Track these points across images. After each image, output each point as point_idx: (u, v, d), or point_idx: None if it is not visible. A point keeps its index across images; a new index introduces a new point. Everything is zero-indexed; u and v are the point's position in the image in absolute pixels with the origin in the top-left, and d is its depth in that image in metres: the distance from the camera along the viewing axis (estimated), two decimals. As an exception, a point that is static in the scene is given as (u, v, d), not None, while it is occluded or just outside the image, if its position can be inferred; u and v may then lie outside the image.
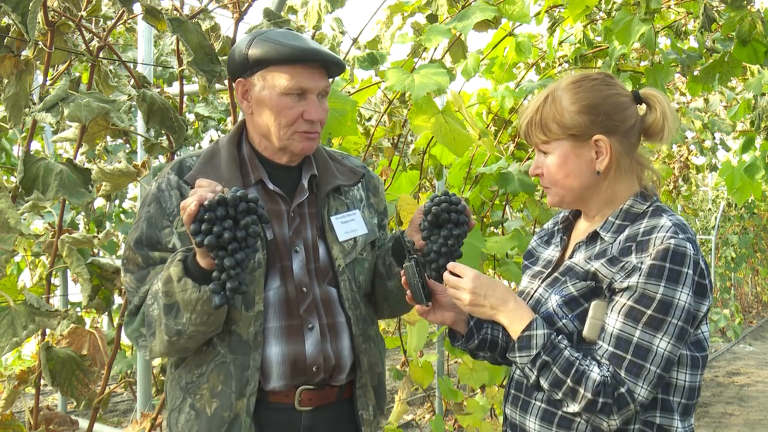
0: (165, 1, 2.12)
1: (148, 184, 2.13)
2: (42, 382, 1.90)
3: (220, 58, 1.98)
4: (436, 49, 2.74)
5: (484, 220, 3.60)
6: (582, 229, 1.54)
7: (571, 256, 1.50)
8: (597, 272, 1.39)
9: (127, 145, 4.27)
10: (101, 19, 2.36)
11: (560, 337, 1.38)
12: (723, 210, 10.84)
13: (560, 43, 3.43)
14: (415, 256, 1.52)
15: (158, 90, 2.23)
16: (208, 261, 1.37)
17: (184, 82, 2.43)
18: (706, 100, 5.39)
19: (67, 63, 2.12)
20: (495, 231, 3.81)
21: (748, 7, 2.99)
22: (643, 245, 1.35)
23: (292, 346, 1.56)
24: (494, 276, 3.46)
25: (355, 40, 2.68)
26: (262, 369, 1.54)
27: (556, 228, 1.63)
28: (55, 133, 2.24)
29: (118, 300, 3.10)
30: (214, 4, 2.16)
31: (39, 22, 1.65)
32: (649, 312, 1.31)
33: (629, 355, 1.32)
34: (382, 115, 3.16)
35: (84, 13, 1.92)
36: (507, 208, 3.97)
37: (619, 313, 1.34)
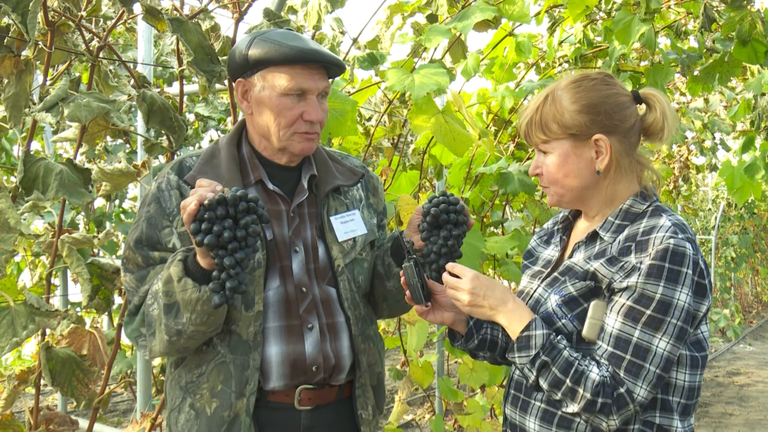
0: (165, 1, 2.12)
1: (148, 184, 2.14)
2: (42, 382, 1.90)
3: (220, 58, 1.98)
4: (436, 49, 2.74)
5: (484, 220, 3.60)
6: (581, 228, 1.54)
7: (570, 256, 1.50)
8: (596, 272, 1.39)
9: (127, 145, 4.27)
10: (101, 19, 2.36)
11: (559, 337, 1.38)
12: (723, 210, 10.84)
13: (560, 43, 3.43)
14: (414, 256, 1.52)
15: (158, 90, 2.23)
16: (208, 261, 1.37)
17: (184, 82, 2.43)
18: (706, 100, 5.39)
19: (67, 63, 2.12)
20: (495, 231, 3.81)
21: (748, 7, 2.99)
22: (643, 245, 1.35)
23: (292, 345, 1.56)
24: (494, 276, 3.46)
25: (355, 40, 2.68)
26: (261, 369, 1.54)
27: (555, 228, 1.63)
28: (55, 133, 2.24)
29: (118, 300, 3.10)
30: (214, 4, 2.16)
31: (39, 22, 1.65)
32: (648, 312, 1.31)
33: (628, 355, 1.32)
34: (382, 115, 3.16)
35: (84, 13, 1.93)
36: (507, 208, 3.97)
37: (618, 313, 1.34)
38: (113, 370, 2.42)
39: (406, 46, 2.82)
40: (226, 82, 2.10)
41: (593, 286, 1.40)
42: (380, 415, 1.73)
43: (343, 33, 3.37)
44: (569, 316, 1.40)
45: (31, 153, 1.73)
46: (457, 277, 1.43)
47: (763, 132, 4.27)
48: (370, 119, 4.22)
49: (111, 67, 2.31)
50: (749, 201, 9.59)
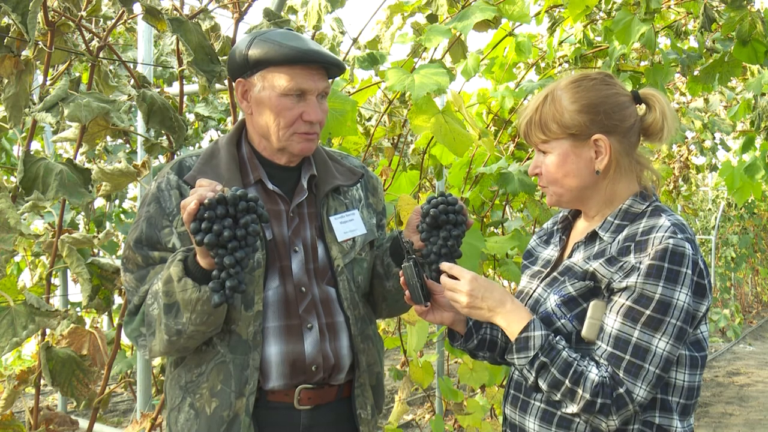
0: (165, 1, 2.13)
1: (148, 184, 2.14)
2: (42, 382, 1.91)
3: (220, 58, 1.98)
4: (436, 49, 2.74)
5: (484, 220, 3.60)
6: (581, 228, 1.54)
7: (570, 256, 1.50)
8: (596, 272, 1.39)
9: (127, 145, 4.27)
10: (101, 19, 2.36)
11: (558, 337, 1.38)
12: (723, 210, 10.84)
13: (560, 43, 3.43)
14: (414, 256, 1.52)
15: (158, 90, 2.23)
16: (208, 260, 1.37)
17: (184, 82, 2.43)
18: (706, 100, 5.39)
19: (67, 63, 2.12)
20: (495, 231, 3.81)
21: (748, 7, 2.99)
22: (642, 245, 1.35)
23: (291, 345, 1.56)
24: (494, 276, 3.46)
25: (355, 40, 2.68)
26: (261, 368, 1.55)
27: (555, 228, 1.63)
28: (55, 133, 2.24)
29: (118, 300, 3.10)
30: (214, 4, 2.17)
31: (39, 22, 1.65)
32: (647, 312, 1.31)
33: (628, 356, 1.32)
34: (382, 115, 3.16)
35: (84, 13, 1.93)
36: (507, 208, 3.97)
37: (617, 314, 1.34)
38: (113, 370, 2.42)
39: (406, 46, 2.82)
40: (226, 82, 2.10)
41: (592, 286, 1.40)
42: (379, 415, 1.73)
43: (343, 33, 3.37)
44: (568, 316, 1.40)
45: (31, 153, 1.73)
46: (456, 278, 1.44)
47: (763, 132, 4.27)
48: (370, 119, 4.22)
49: (111, 67, 2.31)
50: (749, 201, 9.59)
